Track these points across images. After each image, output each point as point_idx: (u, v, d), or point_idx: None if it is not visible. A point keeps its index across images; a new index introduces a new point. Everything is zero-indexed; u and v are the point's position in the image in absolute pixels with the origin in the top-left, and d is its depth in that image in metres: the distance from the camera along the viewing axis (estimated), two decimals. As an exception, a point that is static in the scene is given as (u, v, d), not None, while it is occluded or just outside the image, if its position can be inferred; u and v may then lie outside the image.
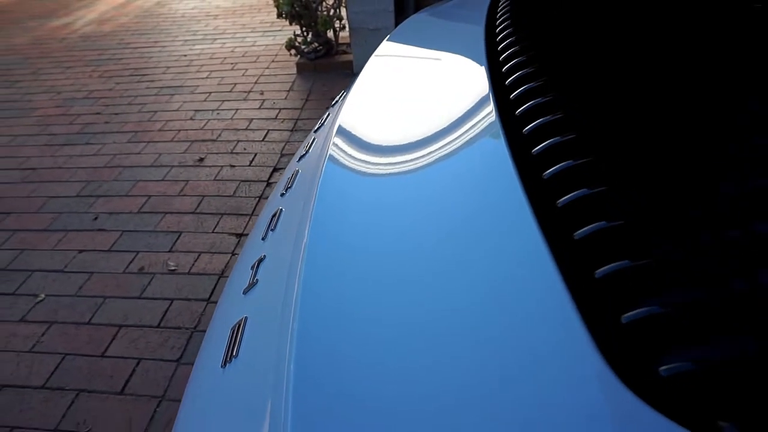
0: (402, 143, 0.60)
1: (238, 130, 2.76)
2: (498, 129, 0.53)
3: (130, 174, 2.44)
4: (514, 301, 0.37)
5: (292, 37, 3.31)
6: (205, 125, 2.83)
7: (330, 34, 3.37)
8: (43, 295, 1.79)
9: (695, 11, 0.67)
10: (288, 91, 3.16)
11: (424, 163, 0.54)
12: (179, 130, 2.80)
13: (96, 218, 2.16)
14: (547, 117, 0.51)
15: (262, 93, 3.14)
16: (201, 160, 2.52)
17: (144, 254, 1.93)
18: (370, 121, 0.68)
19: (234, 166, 2.44)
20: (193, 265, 1.86)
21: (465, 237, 0.45)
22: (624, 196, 0.41)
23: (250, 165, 2.44)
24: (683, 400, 0.26)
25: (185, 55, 3.87)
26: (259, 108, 2.97)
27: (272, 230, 0.60)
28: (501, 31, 0.70)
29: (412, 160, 0.55)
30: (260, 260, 0.55)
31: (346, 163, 0.60)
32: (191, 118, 2.92)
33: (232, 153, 2.55)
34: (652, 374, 0.27)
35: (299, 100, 3.03)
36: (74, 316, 1.69)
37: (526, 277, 0.39)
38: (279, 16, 3.14)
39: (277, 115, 2.87)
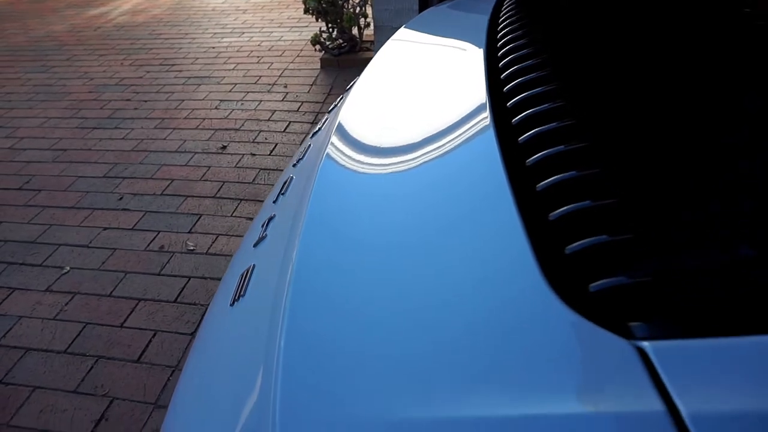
0: (397, 143, 0.63)
1: (261, 120, 2.84)
2: (490, 123, 0.56)
3: (156, 158, 2.54)
4: (484, 252, 0.42)
5: (318, 33, 3.38)
6: (229, 114, 2.92)
7: (354, 31, 3.43)
8: (68, 268, 1.88)
9: (688, 17, 0.70)
10: (311, 85, 3.23)
11: (417, 160, 0.58)
12: (204, 119, 2.89)
13: (121, 198, 2.25)
14: (535, 109, 0.54)
15: (285, 86, 3.22)
16: (224, 147, 2.60)
17: (165, 234, 2.02)
18: (368, 121, 0.72)
19: (255, 154, 2.51)
20: (210, 246, 1.93)
21: (446, 217, 0.49)
22: (588, 181, 0.45)
23: (270, 154, 2.51)
24: (604, 308, 0.32)
25: (213, 47, 3.98)
26: (282, 100, 3.04)
27: (283, 194, 0.65)
28: (503, 25, 0.74)
29: (405, 158, 0.59)
30: (270, 218, 0.60)
31: (343, 161, 0.63)
32: (216, 108, 3.01)
33: (253, 142, 2.63)
34: (584, 292, 0.32)
35: (321, 94, 3.09)
36: (96, 288, 1.78)
37: (498, 237, 0.44)
38: (306, 11, 3.22)
39: (299, 108, 2.95)
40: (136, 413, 1.37)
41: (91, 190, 2.32)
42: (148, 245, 1.96)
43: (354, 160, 0.61)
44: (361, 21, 3.35)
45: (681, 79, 0.58)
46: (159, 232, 2.03)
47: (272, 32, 4.23)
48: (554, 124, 0.51)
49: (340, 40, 3.40)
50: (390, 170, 0.58)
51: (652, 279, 0.33)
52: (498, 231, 0.43)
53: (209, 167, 2.43)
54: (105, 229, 2.07)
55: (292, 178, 0.75)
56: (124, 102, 3.16)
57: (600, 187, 0.43)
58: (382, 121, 0.67)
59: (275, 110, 2.93)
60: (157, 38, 4.28)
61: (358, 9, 3.33)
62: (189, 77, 3.46)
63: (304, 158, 0.79)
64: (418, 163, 0.56)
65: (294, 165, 0.83)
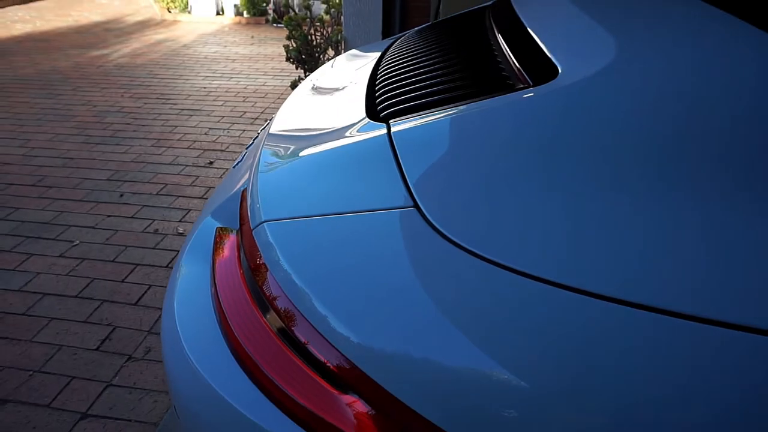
0: (311, 127, 1.08)
1: (244, 144, 3.34)
2: (363, 105, 1.01)
3: (152, 168, 3.00)
4: (349, 129, 0.91)
5: (297, 79, 3.97)
6: (216, 139, 3.42)
7: (329, 79, 4.03)
8: (78, 241, 2.29)
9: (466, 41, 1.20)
10: (288, 120, 3.77)
11: (325, 127, 1.06)
12: (194, 141, 3.38)
13: (122, 195, 2.69)
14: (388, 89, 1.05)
15: (266, 120, 3.75)
16: (211, 163, 3.08)
17: (159, 221, 2.45)
18: (291, 123, 1.13)
19: (237, 169, 3.00)
20: (197, 230, 2.38)
21: (330, 120, 0.97)
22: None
23: (250, 169, 3.00)
24: (384, 120, 0.79)
25: (204, 87, 4.53)
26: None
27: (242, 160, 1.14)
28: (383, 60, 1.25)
29: (318, 129, 1.06)
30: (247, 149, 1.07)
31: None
32: (205, 133, 3.51)
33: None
34: (383, 118, 0.80)
35: (297, 128, 3.64)
36: (102, 256, 2.19)
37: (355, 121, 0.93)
38: (287, 59, 3.81)
39: (276, 137, 3.47)
40: (134, 336, 1.77)
41: (96, 189, 2.76)
42: (145, 228, 2.40)
43: (286, 128, 1.11)
44: (335, 71, 3.95)
45: (449, 61, 1.10)
46: (154, 220, 2.47)
47: (257, 78, 4.83)
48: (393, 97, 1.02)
49: (316, 86, 3.99)
50: (308, 133, 1.06)
51: (395, 112, 0.80)
52: (356, 120, 0.92)
53: (198, 176, 2.90)
54: (108, 216, 2.50)
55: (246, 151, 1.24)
56: (125, 125, 3.64)
57: (393, 108, 0.93)
58: (300, 121, 1.11)
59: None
60: (155, 77, 4.82)
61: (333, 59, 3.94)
62: (182, 109, 3.98)
63: (243, 159, 1.26)
64: (326, 126, 1.06)
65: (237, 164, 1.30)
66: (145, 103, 4.10)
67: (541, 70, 0.73)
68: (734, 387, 0.42)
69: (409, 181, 0.64)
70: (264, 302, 0.63)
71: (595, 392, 0.45)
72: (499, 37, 0.94)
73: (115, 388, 1.57)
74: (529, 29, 0.88)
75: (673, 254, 0.48)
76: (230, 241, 0.79)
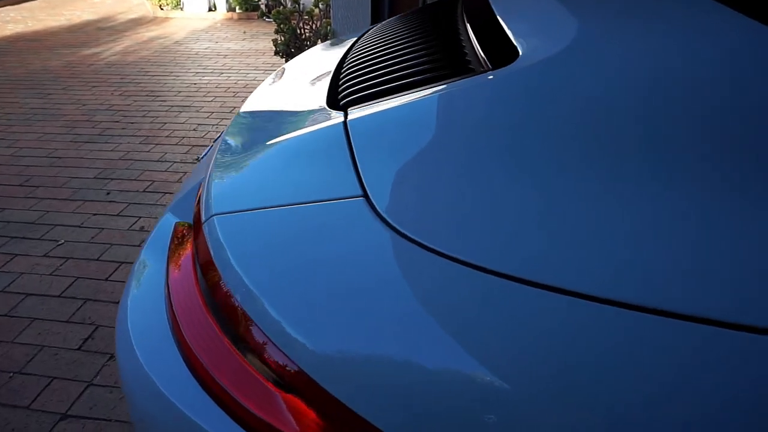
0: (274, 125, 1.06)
1: (233, 140, 3.31)
2: (325, 95, 0.99)
3: (140, 165, 2.97)
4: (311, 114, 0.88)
5: (287, 73, 3.94)
6: (205, 135, 3.39)
7: (319, 73, 3.99)
8: (62, 240, 2.27)
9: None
10: (279, 115, 3.74)
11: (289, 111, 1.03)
12: (183, 137, 3.36)
13: (108, 193, 2.67)
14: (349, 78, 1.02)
15: (256, 116, 3.72)
16: (198, 159, 3.05)
17: (145, 219, 2.43)
18: (254, 117, 1.11)
19: (225, 165, 2.97)
20: (183, 228, 2.35)
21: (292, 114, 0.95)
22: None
23: (238, 165, 2.97)
24: (343, 108, 0.76)
25: (195, 84, 4.50)
26: (253, 126, 3.54)
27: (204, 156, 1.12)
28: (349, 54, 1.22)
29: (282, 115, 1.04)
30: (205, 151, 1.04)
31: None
32: (194, 129, 3.48)
33: (225, 156, 3.09)
34: (341, 106, 0.78)
35: (287, 123, 3.60)
36: (86, 254, 2.17)
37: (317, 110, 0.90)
38: (276, 53, 3.78)
39: (266, 132, 3.44)
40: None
41: (83, 187, 2.73)
42: (131, 226, 2.37)
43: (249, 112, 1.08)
44: (325, 65, 3.92)
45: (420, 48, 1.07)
46: (140, 217, 2.45)
47: (248, 73, 4.79)
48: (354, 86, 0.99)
49: (307, 80, 3.96)
50: (269, 122, 1.03)
51: (355, 100, 0.77)
52: (317, 108, 0.89)
53: (185, 173, 2.88)
54: (94, 215, 2.47)
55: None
56: (113, 123, 3.62)
57: (354, 95, 0.90)
58: (264, 111, 1.08)
59: (246, 133, 3.42)
60: (145, 75, 4.79)
61: (322, 55, 3.91)
62: (172, 106, 3.95)
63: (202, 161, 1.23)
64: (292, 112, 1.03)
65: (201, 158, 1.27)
66: (135, 101, 4.07)
67: (502, 53, 0.71)
68: (719, 385, 0.39)
69: (360, 170, 0.61)
70: (213, 302, 0.60)
71: (557, 394, 0.42)
72: (467, 23, 0.91)
73: (96, 387, 1.55)
74: (497, 14, 0.86)
75: (635, 243, 0.45)
76: (185, 237, 0.77)
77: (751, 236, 0.44)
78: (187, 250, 0.73)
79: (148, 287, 0.76)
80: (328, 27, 3.73)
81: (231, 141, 0.84)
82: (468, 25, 0.89)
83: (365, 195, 0.58)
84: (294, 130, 0.76)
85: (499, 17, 0.84)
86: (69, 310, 1.86)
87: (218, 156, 0.78)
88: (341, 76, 0.91)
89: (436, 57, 0.82)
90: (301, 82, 1.03)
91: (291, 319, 0.51)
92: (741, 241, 0.44)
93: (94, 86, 4.45)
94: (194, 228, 0.71)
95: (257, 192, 0.67)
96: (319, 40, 3.89)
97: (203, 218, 0.67)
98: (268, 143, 0.76)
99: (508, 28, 0.78)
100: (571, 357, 0.42)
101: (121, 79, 4.66)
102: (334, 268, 0.53)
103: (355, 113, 0.71)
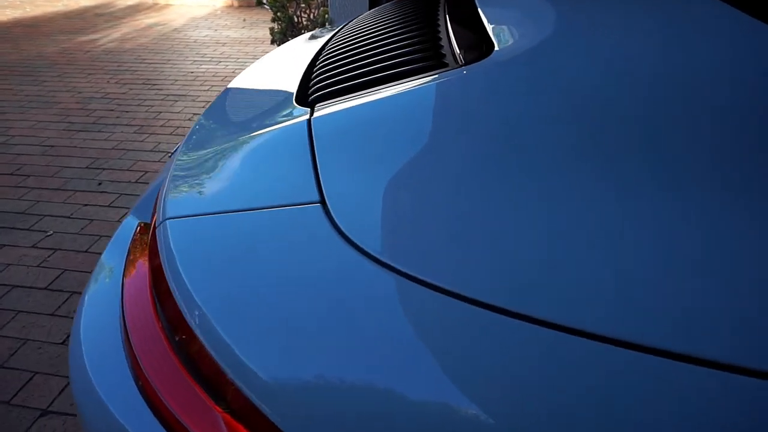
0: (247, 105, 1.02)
1: (227, 130, 3.27)
2: (294, 90, 0.94)
3: (133, 155, 2.94)
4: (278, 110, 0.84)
5: (284, 62, 3.88)
6: (200, 125, 3.35)
7: (317, 62, 3.94)
8: (51, 231, 2.24)
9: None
10: (275, 105, 3.69)
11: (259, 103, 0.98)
12: (178, 127, 3.32)
13: (100, 183, 2.63)
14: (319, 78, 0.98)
15: (252, 105, 3.68)
16: (171, 154, 3.01)
17: (135, 210, 2.40)
18: (222, 114, 1.07)
19: (219, 156, 2.93)
20: (173, 219, 2.32)
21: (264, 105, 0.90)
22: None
23: (232, 156, 2.93)
24: (311, 105, 0.73)
25: (192, 72, 4.45)
26: (248, 116, 3.49)
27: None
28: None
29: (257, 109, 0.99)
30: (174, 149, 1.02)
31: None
32: (189, 119, 3.44)
33: (219, 146, 3.05)
34: (309, 102, 0.74)
35: (283, 113, 3.56)
36: (75, 246, 2.15)
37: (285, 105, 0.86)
38: (272, 42, 3.72)
39: (262, 122, 3.39)
40: (101, 329, 1.73)
41: (75, 177, 2.70)
42: (121, 218, 2.34)
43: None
44: (323, 54, 3.86)
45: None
46: (130, 208, 2.41)
47: (246, 62, 4.73)
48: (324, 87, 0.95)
49: (304, 69, 3.90)
50: (235, 119, 0.99)
51: (319, 98, 0.73)
52: (285, 105, 0.85)
53: (178, 163, 2.84)
54: (85, 205, 2.44)
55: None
56: (108, 111, 3.58)
57: (323, 91, 0.86)
58: (232, 108, 1.04)
59: (241, 123, 3.37)
60: (142, 62, 4.73)
61: (320, 43, 3.84)
62: (168, 95, 3.90)
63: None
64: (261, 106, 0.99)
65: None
66: (131, 89, 4.02)
67: (478, 48, 0.67)
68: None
69: (320, 173, 0.57)
70: (162, 312, 0.57)
71: (500, 417, 0.39)
72: (447, 14, 0.86)
73: (78, 383, 1.53)
74: (478, 6, 0.81)
75: (587, 250, 0.42)
76: (145, 240, 0.73)
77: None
78: (144, 254, 0.70)
79: (106, 290, 0.73)
80: (326, 15, 3.66)
81: (195, 138, 0.81)
82: (447, 17, 0.85)
83: (323, 201, 0.54)
84: (260, 129, 0.72)
85: (480, 10, 0.79)
86: (55, 303, 1.84)
87: (180, 154, 0.75)
88: (314, 70, 0.87)
89: (412, 50, 0.78)
90: (276, 77, 0.99)
91: (237, 341, 0.47)
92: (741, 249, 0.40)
93: (90, 74, 4.40)
94: (150, 232, 0.68)
95: (215, 195, 0.63)
96: (317, 29, 3.83)
97: (158, 221, 0.64)
98: (231, 142, 0.72)
99: (488, 21, 0.74)
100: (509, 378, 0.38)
101: (118, 66, 4.61)
102: (284, 284, 0.49)
103: (322, 110, 0.68)
